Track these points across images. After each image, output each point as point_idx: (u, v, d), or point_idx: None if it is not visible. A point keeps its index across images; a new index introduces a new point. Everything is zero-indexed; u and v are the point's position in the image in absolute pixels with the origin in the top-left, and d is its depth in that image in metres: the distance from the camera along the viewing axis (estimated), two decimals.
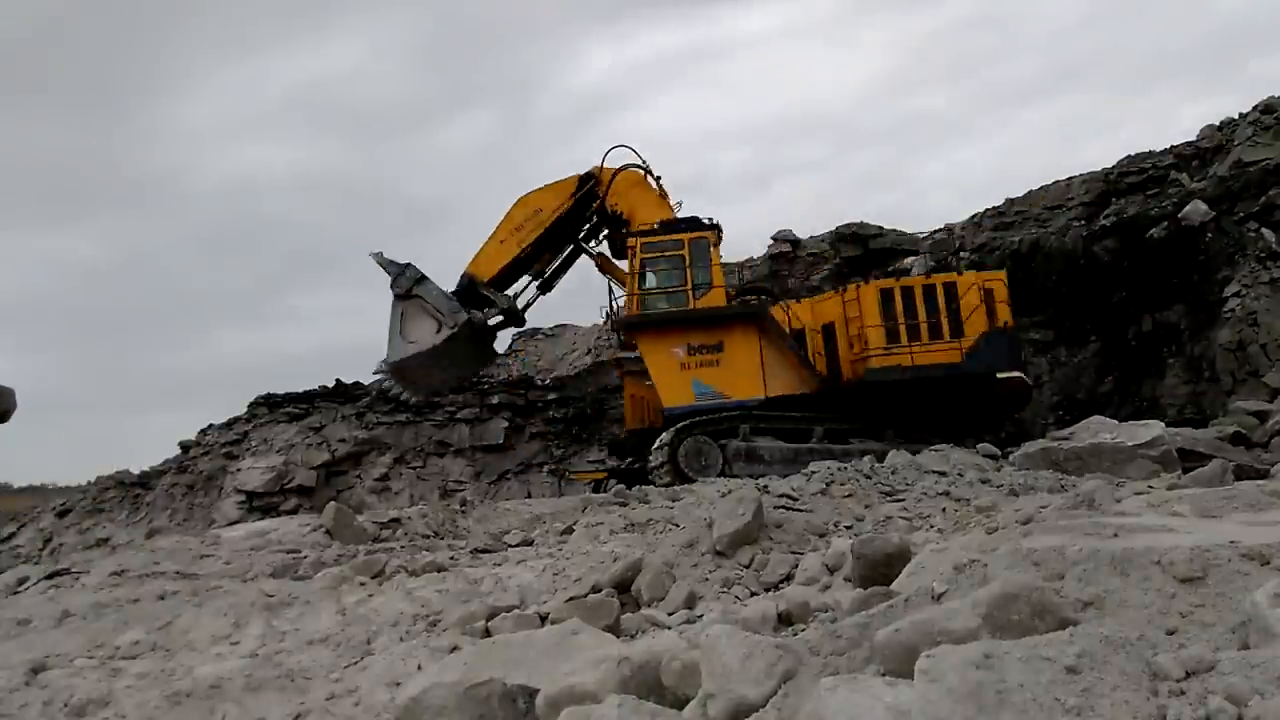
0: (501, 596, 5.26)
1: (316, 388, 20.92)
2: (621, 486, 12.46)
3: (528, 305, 16.59)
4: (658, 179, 16.40)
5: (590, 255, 16.86)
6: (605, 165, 16.08)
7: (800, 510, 6.34)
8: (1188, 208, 16.90)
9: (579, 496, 11.62)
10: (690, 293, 15.07)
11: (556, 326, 28.44)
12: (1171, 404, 16.03)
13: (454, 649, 4.06)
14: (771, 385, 14.69)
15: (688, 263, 15.18)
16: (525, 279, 16.52)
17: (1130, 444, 9.49)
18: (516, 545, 7.91)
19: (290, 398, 20.64)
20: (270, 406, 20.51)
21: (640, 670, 2.62)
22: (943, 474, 8.40)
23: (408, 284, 15.39)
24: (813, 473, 8.15)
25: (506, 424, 20.51)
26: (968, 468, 8.94)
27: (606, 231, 16.74)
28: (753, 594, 4.72)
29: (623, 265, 16.04)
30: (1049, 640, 1.83)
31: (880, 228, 23.22)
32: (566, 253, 16.82)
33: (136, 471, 21.33)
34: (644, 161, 16.21)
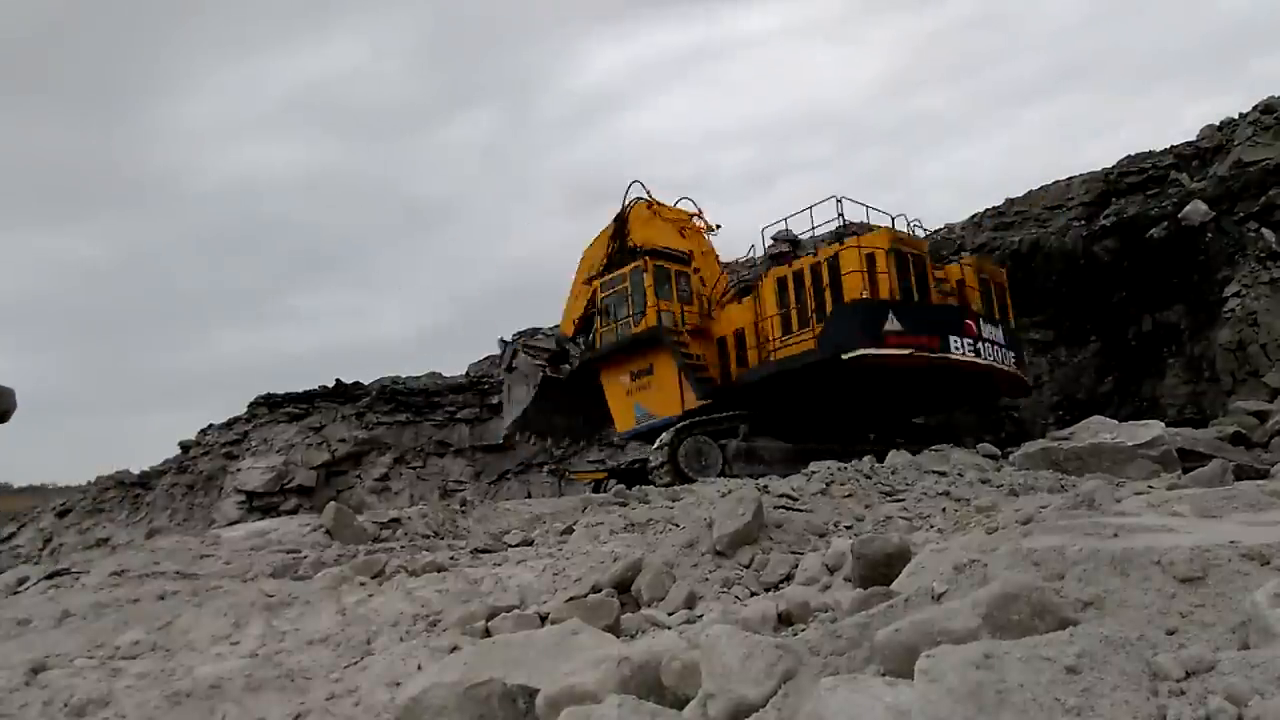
0: (501, 596, 5.26)
1: (316, 388, 20.94)
2: (621, 486, 12.46)
3: None
4: (677, 201, 17.04)
5: None
6: (626, 204, 16.69)
7: (800, 510, 6.34)
8: (1188, 208, 16.91)
9: (579, 496, 11.62)
10: (631, 320, 15.44)
11: (556, 326, 28.43)
12: (1171, 404, 16.04)
13: (454, 649, 4.06)
14: (687, 399, 14.81)
15: (629, 293, 15.60)
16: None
17: (1130, 444, 9.49)
18: (516, 545, 7.91)
19: (290, 398, 20.67)
20: (270, 406, 20.54)
21: (640, 670, 2.62)
22: (943, 474, 8.41)
23: (508, 360, 17.90)
24: (813, 473, 8.16)
25: None
26: (968, 468, 8.95)
27: None
28: (753, 594, 4.72)
29: None
30: (1049, 640, 1.83)
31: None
32: None
33: (136, 471, 21.36)
34: (648, 193, 16.80)
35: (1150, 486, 5.83)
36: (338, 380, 20.92)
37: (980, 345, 13.76)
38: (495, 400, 20.65)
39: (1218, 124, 20.21)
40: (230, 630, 5.11)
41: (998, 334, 14.26)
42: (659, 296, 15.23)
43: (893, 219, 15.13)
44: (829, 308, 13.51)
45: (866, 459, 9.45)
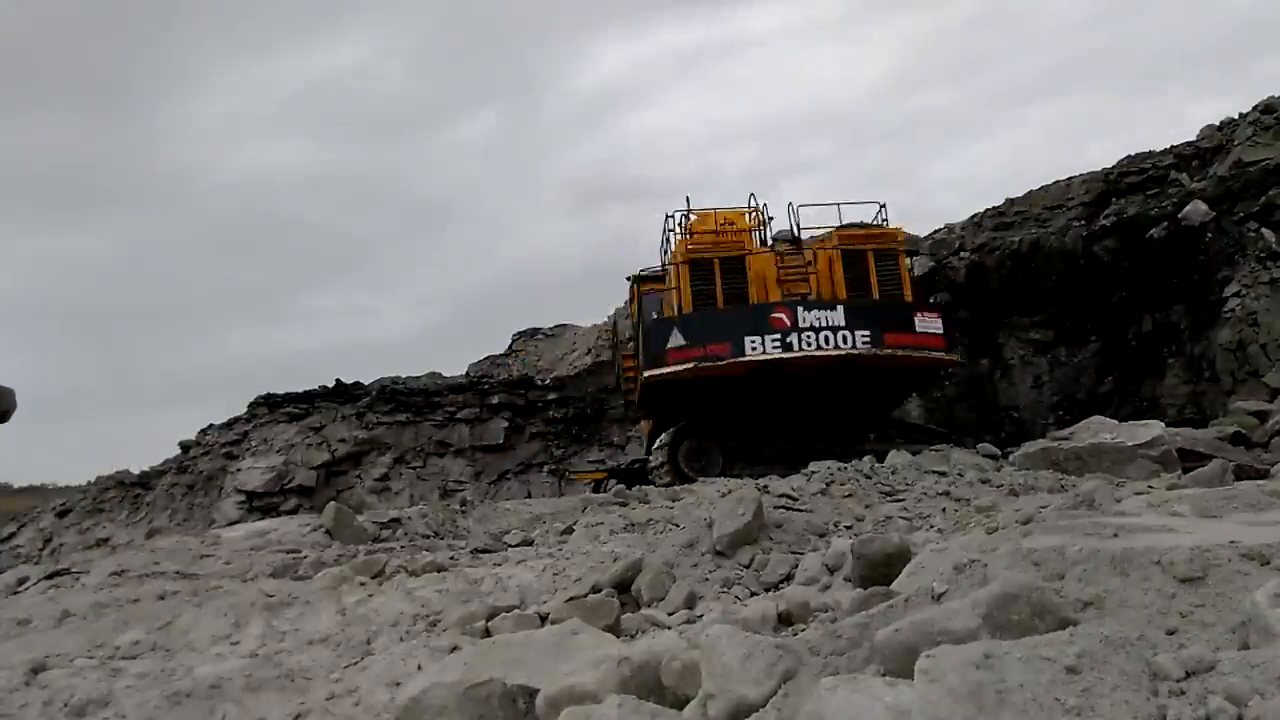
0: (501, 596, 5.26)
1: (316, 388, 20.93)
2: (621, 486, 12.46)
3: None
4: (715, 210, 16.72)
5: None
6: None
7: (800, 510, 6.34)
8: (1188, 208, 16.91)
9: (579, 496, 11.63)
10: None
11: (556, 326, 28.44)
12: (1171, 404, 16.04)
13: (454, 649, 4.06)
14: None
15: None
16: None
17: (1130, 444, 9.48)
18: (516, 545, 7.91)
19: (290, 398, 20.66)
20: (270, 406, 20.53)
21: (640, 670, 2.62)
22: (943, 474, 8.41)
23: None
24: (813, 473, 8.16)
25: (506, 424, 20.53)
26: (968, 468, 8.95)
27: None
28: (753, 594, 4.71)
29: None
30: (1049, 640, 1.83)
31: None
32: None
33: (136, 471, 21.36)
34: (672, 213, 16.27)
35: (1150, 486, 5.83)
36: (338, 380, 20.92)
37: (798, 336, 12.54)
38: (495, 400, 20.66)
39: (1218, 124, 20.20)
40: (230, 630, 5.11)
41: (834, 316, 12.72)
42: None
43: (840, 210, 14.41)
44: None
45: (866, 459, 9.45)
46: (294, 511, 16.88)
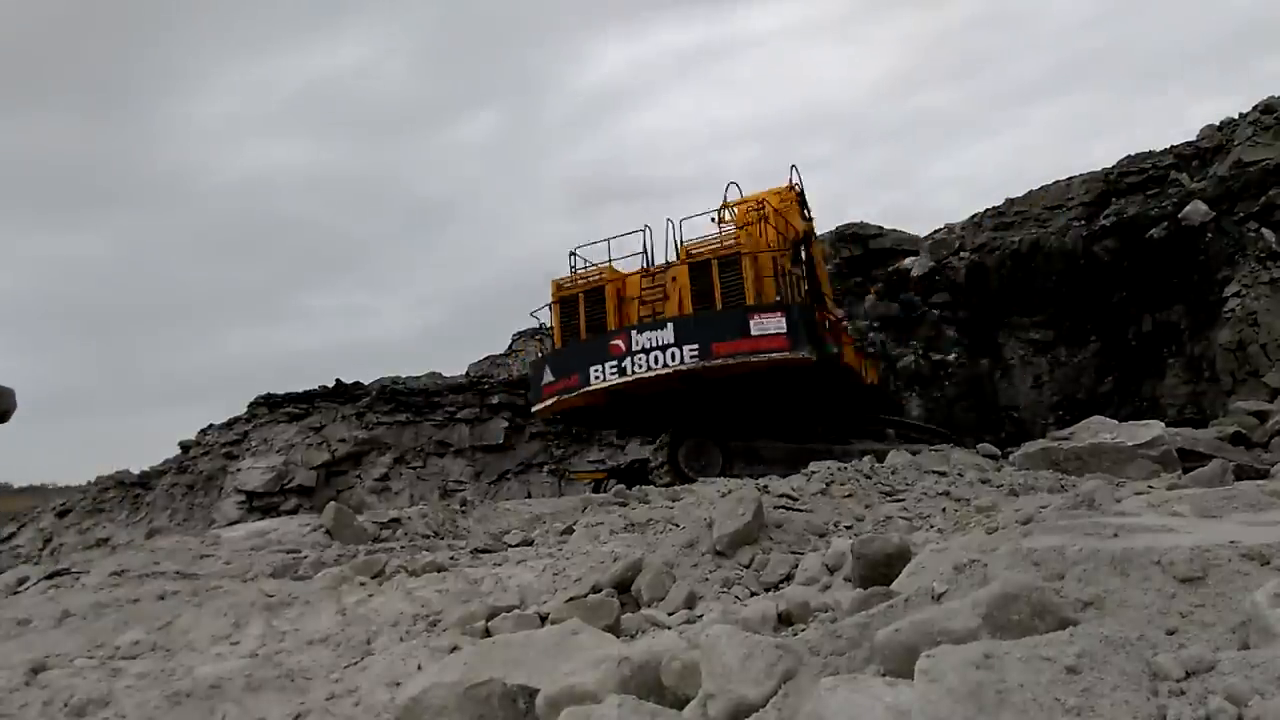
0: (501, 596, 5.26)
1: (316, 388, 20.93)
2: (621, 486, 12.45)
3: None
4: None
5: None
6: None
7: (800, 510, 6.33)
8: (1188, 208, 16.91)
9: (579, 496, 11.62)
10: None
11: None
12: (1171, 404, 16.05)
13: (454, 649, 4.06)
14: None
15: None
16: None
17: (1130, 444, 9.49)
18: (516, 545, 7.90)
19: (290, 398, 20.66)
20: (270, 406, 20.53)
21: (640, 670, 2.62)
22: (943, 474, 8.40)
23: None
24: (813, 473, 8.15)
25: (506, 424, 20.51)
26: (968, 468, 8.94)
27: None
28: (753, 594, 4.71)
29: None
30: (1049, 640, 1.83)
31: (880, 228, 23.26)
32: None
33: (136, 471, 21.36)
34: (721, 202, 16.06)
35: (1150, 486, 5.83)
36: (338, 380, 20.92)
37: (630, 360, 12.88)
38: (495, 400, 20.65)
39: (1218, 124, 20.20)
40: (230, 630, 5.11)
41: (663, 335, 12.80)
42: None
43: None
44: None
45: (866, 459, 9.45)
46: (294, 511, 16.88)
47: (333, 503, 9.42)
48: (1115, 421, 10.65)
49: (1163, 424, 10.38)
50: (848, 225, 23.29)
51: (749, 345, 12.55)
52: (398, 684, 3.80)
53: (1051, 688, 1.69)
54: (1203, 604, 2.10)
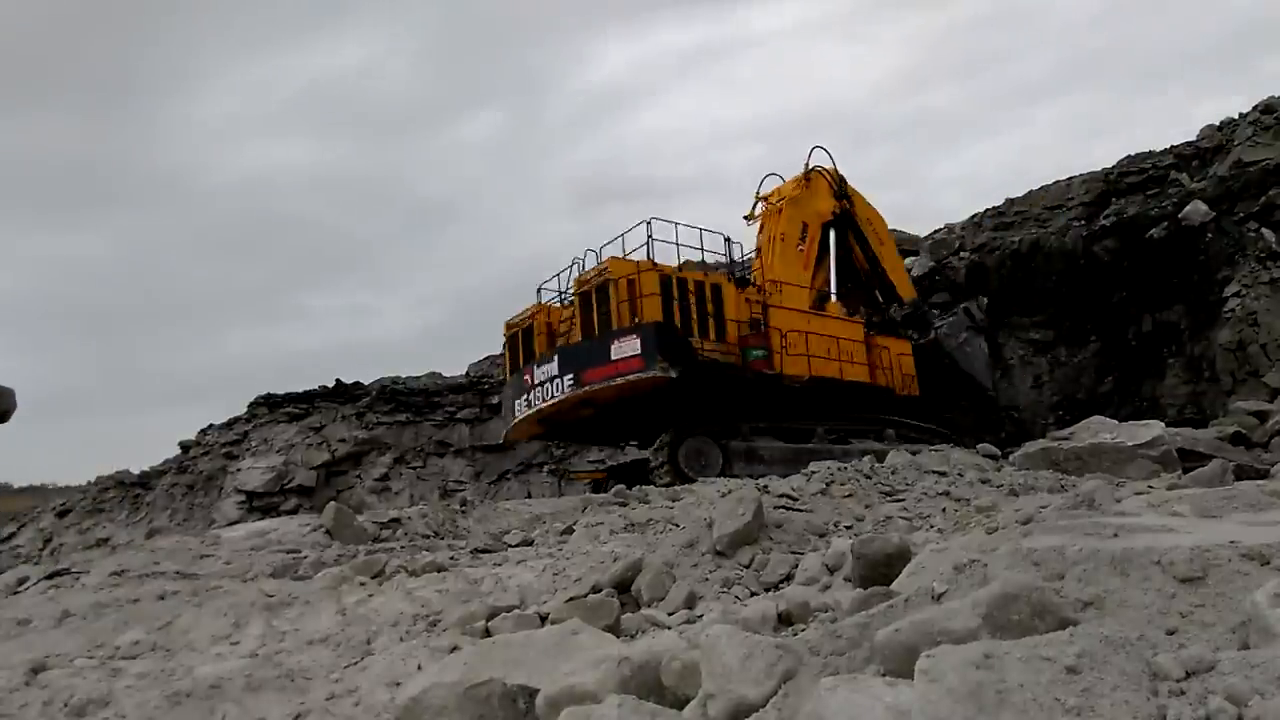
0: (501, 596, 5.26)
1: (316, 388, 20.94)
2: (621, 486, 12.45)
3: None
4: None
5: None
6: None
7: (800, 510, 6.33)
8: (1188, 208, 16.92)
9: (579, 496, 11.62)
10: None
11: None
12: (1171, 404, 16.05)
13: (454, 649, 4.06)
14: None
15: None
16: None
17: (1130, 444, 9.49)
18: (516, 545, 7.90)
19: (290, 398, 20.68)
20: (270, 406, 20.55)
21: (640, 670, 2.62)
22: (943, 474, 8.39)
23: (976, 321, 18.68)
24: (813, 473, 8.15)
25: None
26: (968, 468, 8.93)
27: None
28: (753, 594, 4.71)
29: None
30: (1049, 640, 1.83)
31: None
32: None
33: (136, 471, 21.37)
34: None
35: (1150, 486, 5.83)
36: (338, 380, 20.93)
37: (533, 393, 13.48)
38: (495, 400, 20.65)
39: (1218, 124, 20.20)
40: (230, 630, 5.11)
41: (551, 367, 13.35)
42: None
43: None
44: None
45: (866, 459, 9.45)
46: (294, 511, 16.89)
47: (333, 503, 9.41)
48: (1115, 421, 10.64)
49: (1163, 424, 10.38)
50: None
51: (610, 369, 12.88)
52: (398, 684, 3.80)
53: (1051, 688, 1.69)
54: (1203, 604, 2.10)
